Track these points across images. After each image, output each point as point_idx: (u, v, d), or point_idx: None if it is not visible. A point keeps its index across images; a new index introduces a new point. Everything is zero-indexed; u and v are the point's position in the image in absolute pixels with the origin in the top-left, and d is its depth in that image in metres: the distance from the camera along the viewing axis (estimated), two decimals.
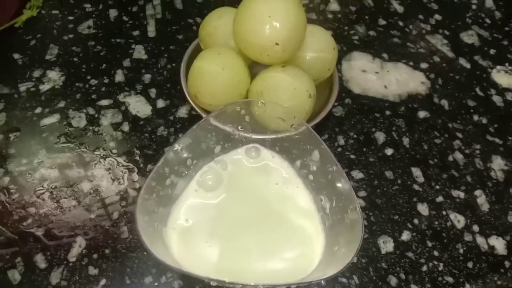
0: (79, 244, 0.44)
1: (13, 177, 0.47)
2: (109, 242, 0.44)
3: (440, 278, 0.44)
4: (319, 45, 0.50)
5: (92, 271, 0.42)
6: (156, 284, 0.42)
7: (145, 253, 0.43)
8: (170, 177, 0.38)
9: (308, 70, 0.49)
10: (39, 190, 0.47)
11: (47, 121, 0.52)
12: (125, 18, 0.63)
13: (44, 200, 0.46)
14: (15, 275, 0.42)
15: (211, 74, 0.47)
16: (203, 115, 0.48)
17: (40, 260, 0.42)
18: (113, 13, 0.63)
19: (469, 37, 0.66)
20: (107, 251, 0.43)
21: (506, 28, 0.68)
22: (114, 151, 0.50)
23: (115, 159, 0.49)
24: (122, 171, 0.48)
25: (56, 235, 0.44)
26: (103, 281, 0.42)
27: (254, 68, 0.50)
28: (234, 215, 0.39)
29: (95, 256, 0.43)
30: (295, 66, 0.48)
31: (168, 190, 0.38)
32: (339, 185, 0.37)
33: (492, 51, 0.64)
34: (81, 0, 0.64)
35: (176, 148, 0.39)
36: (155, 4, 0.65)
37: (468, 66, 0.62)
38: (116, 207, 0.46)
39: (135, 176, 0.48)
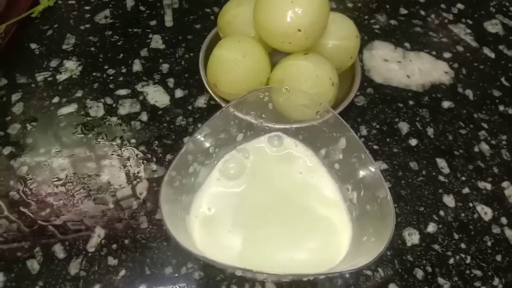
0: (98, 235, 0.43)
1: (30, 167, 0.47)
2: (129, 233, 0.43)
3: (467, 271, 0.43)
4: (342, 32, 0.49)
5: (112, 261, 0.42)
6: (176, 275, 0.41)
7: (165, 244, 0.43)
8: (192, 165, 0.37)
9: (330, 59, 0.48)
10: (56, 180, 0.46)
11: (65, 110, 0.51)
12: (142, 8, 0.62)
13: (62, 190, 0.45)
14: (34, 265, 0.41)
15: (231, 62, 0.46)
16: (223, 105, 0.47)
17: (59, 250, 0.42)
18: (129, 2, 0.62)
19: (493, 26, 0.64)
20: (126, 241, 0.43)
21: None
22: (133, 141, 0.49)
23: (133, 149, 0.48)
24: (140, 161, 0.48)
25: (74, 225, 0.43)
26: (122, 272, 0.41)
27: (275, 56, 0.49)
28: (257, 204, 0.38)
29: (114, 246, 0.42)
30: (317, 54, 0.47)
31: (190, 178, 0.37)
32: (367, 173, 0.35)
33: None
34: None
35: (197, 137, 0.38)
36: None
37: (492, 55, 0.61)
38: (134, 198, 0.45)
39: (154, 166, 0.47)
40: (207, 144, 0.39)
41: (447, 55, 0.60)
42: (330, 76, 0.46)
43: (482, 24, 0.64)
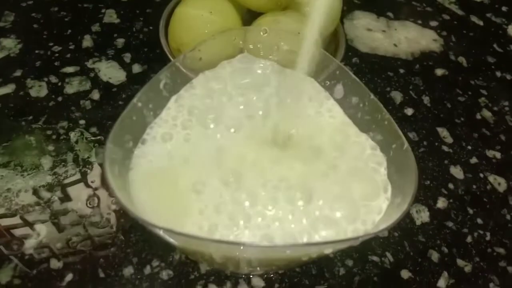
0: (38, 233, 0.34)
1: None
2: (77, 228, 0.34)
3: (489, 250, 0.36)
4: None
5: (55, 264, 0.33)
6: (138, 276, 0.33)
7: (123, 238, 0.34)
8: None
9: None
10: None
11: (0, 92, 0.43)
12: None
13: None
14: None
15: (198, 20, 0.39)
16: (191, 75, 0.39)
17: None
18: None
19: None
20: (74, 239, 0.34)
21: None
22: (82, 122, 0.41)
23: (83, 131, 0.40)
24: (91, 145, 0.39)
25: (8, 223, 0.34)
26: (69, 276, 0.32)
27: (248, 21, 0.42)
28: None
29: (58, 245, 0.34)
30: (296, 11, 0.41)
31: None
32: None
33: (504, 8, 0.58)
34: None
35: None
36: None
37: (481, 23, 0.56)
38: (85, 186, 0.37)
39: None
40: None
41: (433, 23, 0.55)
42: None
43: None
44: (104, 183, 0.37)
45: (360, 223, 0.26)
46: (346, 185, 0.27)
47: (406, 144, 0.26)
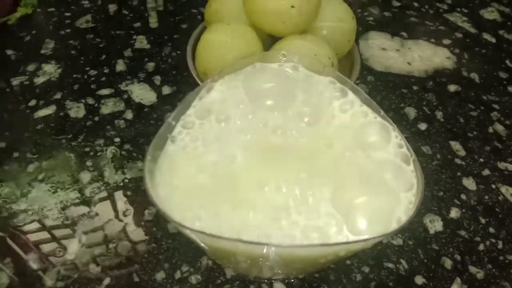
0: (79, 240, 0.38)
1: (3, 171, 0.42)
2: (113, 236, 0.38)
3: (501, 257, 0.38)
4: (337, 14, 0.46)
5: (94, 269, 0.36)
6: (170, 280, 0.36)
7: (155, 245, 0.37)
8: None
9: (328, 42, 0.44)
10: (32, 181, 0.41)
11: (42, 113, 0.47)
12: (125, 12, 0.59)
13: (39, 190, 0.40)
14: (2, 279, 0.35)
15: (221, 46, 0.42)
16: None
17: (33, 260, 0.36)
18: (112, 7, 0.60)
19: (489, 14, 0.62)
20: (110, 246, 0.37)
21: None
22: (117, 140, 0.45)
23: (117, 149, 0.44)
24: (125, 161, 0.43)
25: (51, 231, 0.38)
26: (106, 280, 0.35)
27: (268, 44, 0.45)
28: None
29: (96, 252, 0.37)
30: (314, 35, 0.44)
31: None
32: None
33: None
34: None
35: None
36: None
37: (493, 40, 0.58)
38: (119, 198, 0.40)
39: (140, 164, 0.42)
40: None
41: (446, 41, 0.57)
42: (329, 56, 0.42)
43: (478, 12, 0.62)
44: (138, 195, 0.40)
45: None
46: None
47: (414, 156, 0.28)
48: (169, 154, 0.30)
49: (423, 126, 0.47)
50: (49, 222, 0.39)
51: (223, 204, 0.28)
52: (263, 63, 0.36)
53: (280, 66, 0.36)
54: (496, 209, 0.41)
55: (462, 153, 0.45)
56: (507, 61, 0.55)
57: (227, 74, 0.35)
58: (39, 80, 0.50)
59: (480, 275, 0.37)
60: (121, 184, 0.41)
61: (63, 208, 0.39)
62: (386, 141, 0.31)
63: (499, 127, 0.48)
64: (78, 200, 0.40)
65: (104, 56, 0.53)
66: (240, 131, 0.32)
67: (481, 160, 0.45)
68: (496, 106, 0.50)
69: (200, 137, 0.31)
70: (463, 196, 0.42)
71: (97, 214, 0.39)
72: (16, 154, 0.43)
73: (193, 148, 0.31)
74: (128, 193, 0.41)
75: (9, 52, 0.53)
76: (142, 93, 0.49)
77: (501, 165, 0.44)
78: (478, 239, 0.39)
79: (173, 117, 0.31)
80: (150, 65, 0.52)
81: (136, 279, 0.36)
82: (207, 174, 0.29)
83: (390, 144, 0.31)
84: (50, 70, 0.51)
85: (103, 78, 0.50)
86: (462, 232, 0.39)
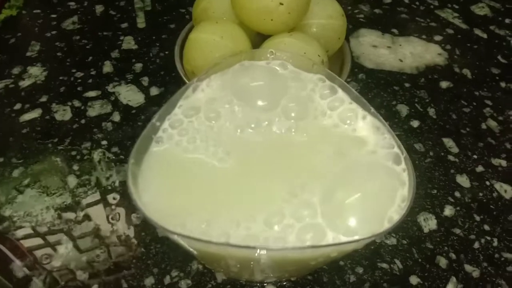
0: (65, 247, 0.37)
1: None
2: (100, 242, 0.37)
3: (497, 255, 0.37)
4: (327, 11, 0.45)
5: (81, 276, 0.35)
6: (159, 286, 0.35)
7: (143, 250, 0.36)
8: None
9: (318, 40, 0.44)
10: (18, 186, 0.40)
11: (27, 117, 0.46)
12: (112, 12, 0.58)
13: (25, 196, 0.39)
14: None
15: (209, 45, 0.41)
16: None
17: (17, 269, 0.35)
18: (99, 8, 0.59)
19: (480, 9, 0.62)
20: (98, 252, 0.36)
21: None
22: (104, 142, 0.44)
23: (105, 151, 0.43)
24: (112, 164, 0.42)
25: (39, 236, 0.37)
26: (94, 287, 0.34)
27: (257, 43, 0.45)
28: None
29: (83, 259, 0.36)
30: (303, 33, 0.43)
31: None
32: None
33: (507, 21, 0.60)
34: None
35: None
36: None
37: (484, 36, 0.58)
38: (106, 203, 0.39)
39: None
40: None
41: (437, 38, 0.57)
42: (319, 53, 0.42)
43: (469, 8, 0.62)
44: (126, 199, 0.39)
45: None
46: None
47: (405, 154, 0.28)
48: (154, 156, 0.29)
49: (415, 124, 0.47)
50: (35, 228, 0.38)
51: (211, 207, 0.27)
52: (251, 61, 0.35)
53: (268, 64, 0.35)
54: (491, 206, 0.40)
55: (455, 150, 0.45)
56: (499, 57, 0.55)
57: (214, 73, 0.34)
58: (24, 83, 0.49)
59: (475, 273, 0.36)
60: (109, 188, 0.40)
61: (50, 214, 0.38)
62: (376, 139, 0.30)
63: (492, 123, 0.47)
64: (65, 205, 0.39)
65: (90, 58, 0.52)
66: (228, 129, 0.31)
67: (475, 156, 0.44)
68: (488, 102, 0.49)
69: (186, 137, 0.30)
70: (457, 194, 0.41)
71: (84, 219, 0.38)
72: (1, 159, 0.42)
73: (180, 149, 0.30)
74: (116, 197, 0.40)
75: None
76: (130, 95, 0.48)
77: (495, 161, 0.44)
78: (473, 237, 0.38)
79: (157, 117, 0.30)
80: (138, 66, 0.51)
81: (125, 285, 0.35)
82: (193, 176, 0.29)
83: (380, 142, 0.30)
84: (36, 72, 0.50)
85: (90, 80, 0.49)
86: (457, 230, 0.39)
